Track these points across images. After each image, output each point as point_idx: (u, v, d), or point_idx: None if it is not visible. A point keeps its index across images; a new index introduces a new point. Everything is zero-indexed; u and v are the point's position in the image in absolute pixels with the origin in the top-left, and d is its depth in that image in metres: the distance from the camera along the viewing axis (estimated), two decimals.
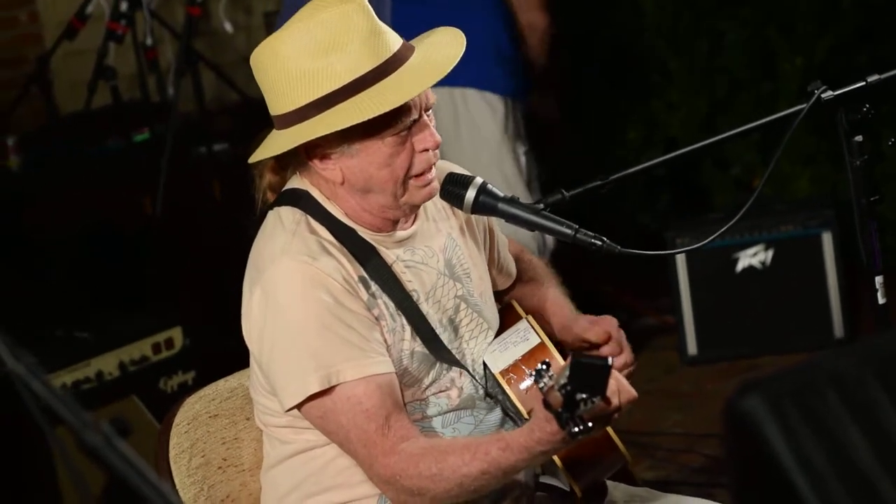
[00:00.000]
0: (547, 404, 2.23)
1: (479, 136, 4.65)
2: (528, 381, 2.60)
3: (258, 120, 2.61)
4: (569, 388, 2.16)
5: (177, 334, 4.55)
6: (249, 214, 2.64)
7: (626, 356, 2.77)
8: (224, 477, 2.74)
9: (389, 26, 2.56)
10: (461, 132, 4.64)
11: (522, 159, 4.71)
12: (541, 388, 2.26)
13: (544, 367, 2.26)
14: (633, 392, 2.38)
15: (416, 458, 2.43)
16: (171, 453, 2.68)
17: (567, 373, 2.16)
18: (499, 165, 4.66)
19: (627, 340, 2.78)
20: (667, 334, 5.72)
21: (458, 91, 4.63)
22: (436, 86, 4.55)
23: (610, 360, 2.18)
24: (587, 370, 2.16)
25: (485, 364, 2.69)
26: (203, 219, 5.37)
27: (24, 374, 1.52)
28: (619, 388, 2.34)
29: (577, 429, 2.20)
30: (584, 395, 2.17)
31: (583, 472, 2.63)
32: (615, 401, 2.32)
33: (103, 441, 1.46)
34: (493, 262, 2.85)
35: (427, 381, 2.60)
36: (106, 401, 4.33)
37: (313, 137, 2.47)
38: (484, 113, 4.63)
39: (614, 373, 2.29)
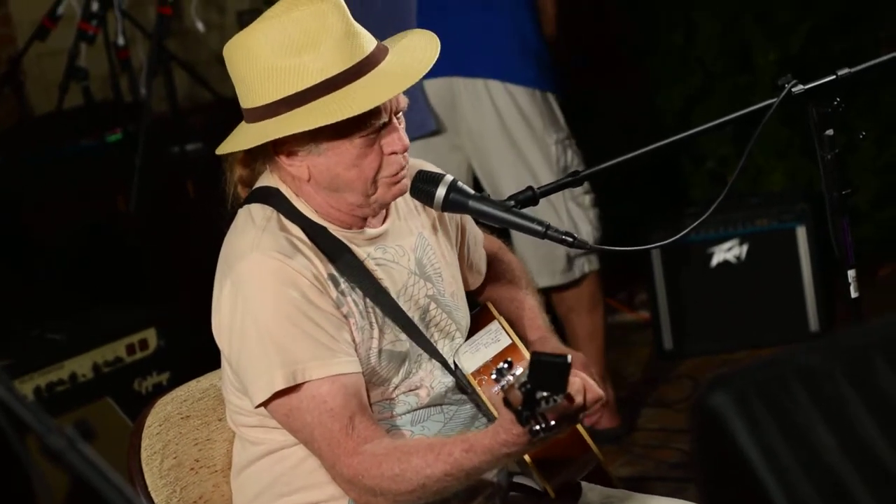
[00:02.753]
0: (507, 402, 2.22)
1: (503, 127, 4.66)
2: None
3: (231, 119, 2.60)
4: (528, 385, 2.15)
5: (151, 335, 4.53)
6: (221, 210, 2.63)
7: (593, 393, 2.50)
8: (197, 478, 2.73)
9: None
10: (485, 123, 4.66)
11: (553, 148, 4.71)
12: (502, 387, 2.24)
13: (506, 365, 2.25)
14: (598, 391, 2.36)
15: (380, 458, 2.42)
16: (143, 455, 2.67)
17: (527, 371, 2.16)
18: (523, 155, 4.67)
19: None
20: (642, 330, 5.73)
21: (482, 82, 4.65)
22: (460, 76, 4.62)
23: (569, 357, 2.16)
24: (547, 368, 2.14)
25: (456, 365, 2.68)
26: (177, 219, 5.35)
27: None
28: (585, 386, 2.32)
29: (538, 427, 2.19)
30: (544, 394, 2.16)
31: (554, 472, 2.61)
32: (579, 399, 2.30)
33: (67, 445, 1.44)
34: (463, 260, 2.84)
35: (396, 381, 2.59)
36: (79, 403, 4.30)
37: (280, 136, 2.47)
38: (508, 104, 4.65)
39: (580, 372, 2.28)
